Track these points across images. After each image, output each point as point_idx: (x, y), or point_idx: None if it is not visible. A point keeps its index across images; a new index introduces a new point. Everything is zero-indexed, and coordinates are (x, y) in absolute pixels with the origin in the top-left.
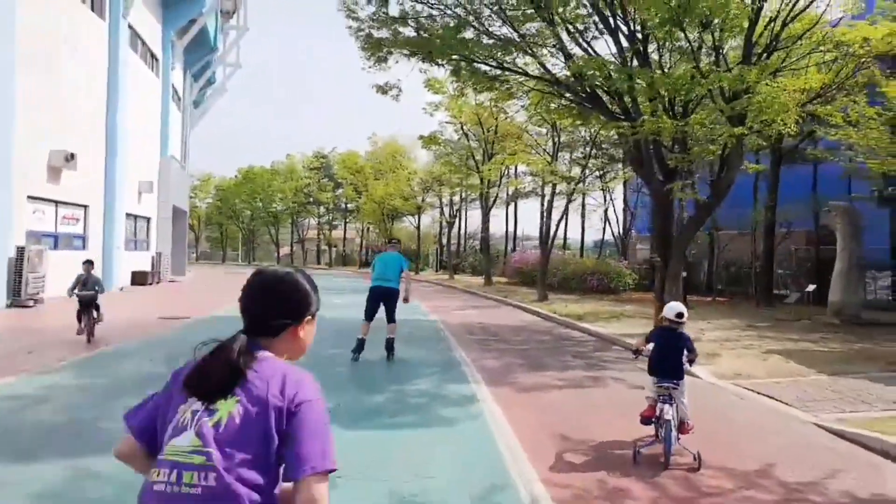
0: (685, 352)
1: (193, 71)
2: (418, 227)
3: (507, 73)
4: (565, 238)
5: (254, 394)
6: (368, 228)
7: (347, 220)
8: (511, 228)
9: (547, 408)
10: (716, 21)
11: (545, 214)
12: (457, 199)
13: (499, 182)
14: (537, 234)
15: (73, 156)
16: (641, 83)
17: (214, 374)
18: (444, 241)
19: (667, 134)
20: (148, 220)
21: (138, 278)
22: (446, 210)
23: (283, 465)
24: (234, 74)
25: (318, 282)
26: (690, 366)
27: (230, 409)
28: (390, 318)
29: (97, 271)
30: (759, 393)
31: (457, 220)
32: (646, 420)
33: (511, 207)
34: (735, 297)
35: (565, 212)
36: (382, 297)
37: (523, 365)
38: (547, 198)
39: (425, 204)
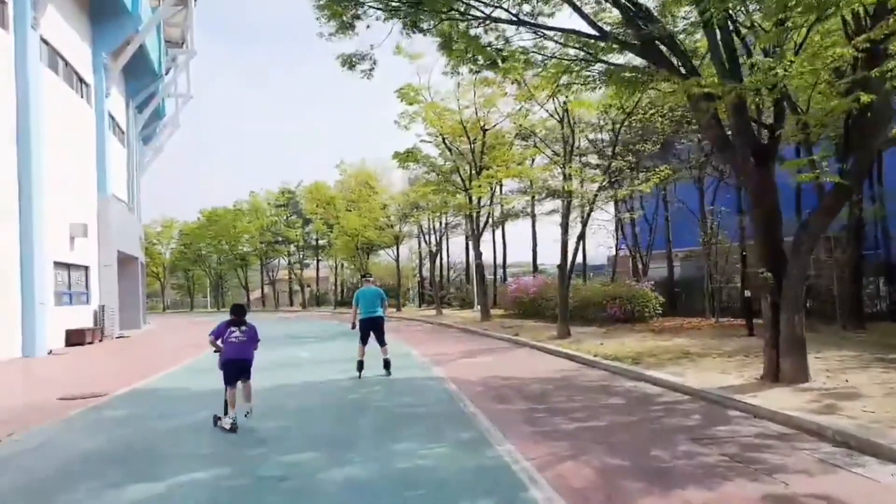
0: None
1: (137, 101)
2: (397, 260)
3: (523, 28)
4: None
5: (246, 328)
6: (342, 265)
7: (319, 258)
8: (500, 254)
9: None
10: None
11: (561, 231)
12: (438, 225)
13: (489, 200)
14: (523, 259)
15: None
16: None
17: (240, 323)
18: (426, 272)
19: (768, 89)
20: (86, 268)
21: (74, 337)
22: (428, 238)
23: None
24: (187, 106)
25: (286, 328)
26: None
27: (242, 329)
28: (381, 342)
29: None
30: None
31: (440, 248)
32: None
33: (498, 232)
34: None
35: (584, 228)
36: (372, 326)
37: (630, 471)
38: (561, 212)
39: (403, 234)
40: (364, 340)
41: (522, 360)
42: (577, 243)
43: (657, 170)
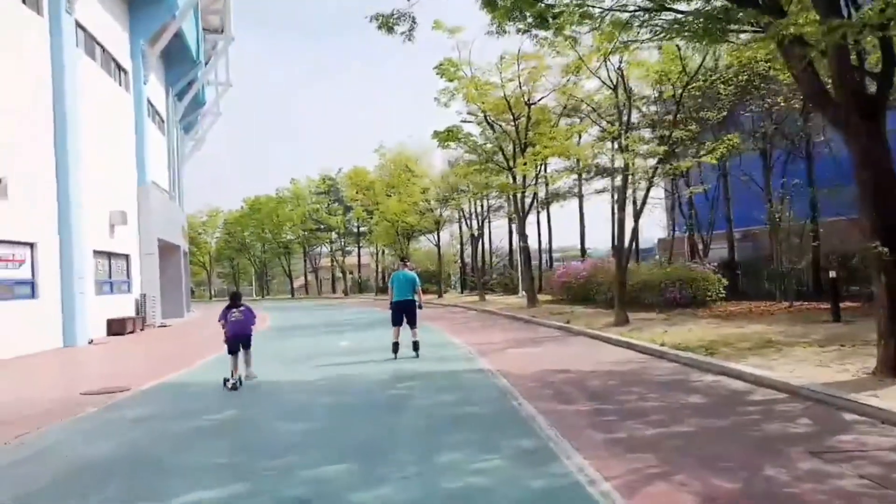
0: None
1: (177, 89)
2: (438, 245)
3: None
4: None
5: (243, 308)
6: (383, 251)
7: (360, 245)
8: (545, 238)
9: None
10: None
11: (618, 209)
12: (479, 208)
13: (535, 179)
14: (567, 244)
15: None
16: None
17: (237, 306)
18: (468, 257)
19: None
20: (127, 257)
21: (115, 327)
22: (470, 222)
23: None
24: (227, 94)
25: (327, 315)
26: None
27: (240, 309)
28: (412, 324)
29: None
30: None
31: (482, 232)
32: None
33: (542, 215)
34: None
35: (642, 206)
36: (404, 309)
37: (745, 499)
38: (612, 189)
39: (443, 218)
40: (397, 323)
41: (578, 351)
42: (635, 222)
43: (724, 138)
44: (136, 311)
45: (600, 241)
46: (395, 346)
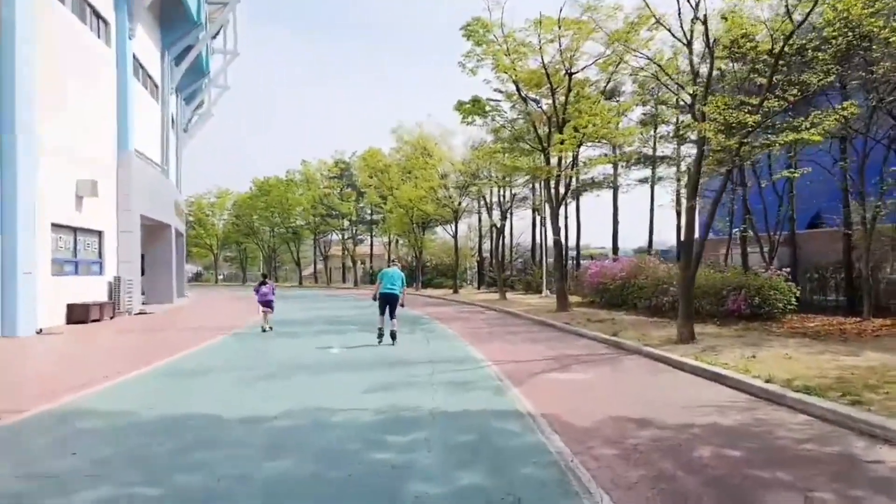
0: None
1: (174, 52)
2: (455, 236)
3: None
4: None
5: (268, 285)
6: (396, 240)
7: (373, 234)
8: (573, 234)
9: None
10: None
11: (687, 195)
12: (502, 198)
13: (571, 164)
14: (586, 241)
15: None
16: None
17: (265, 283)
18: (486, 251)
19: None
20: (100, 234)
21: (78, 313)
22: (492, 212)
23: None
24: (236, 66)
25: (329, 309)
26: None
27: (267, 285)
28: (392, 315)
29: None
30: None
31: (504, 223)
32: None
33: (570, 208)
34: None
35: (721, 191)
36: (389, 300)
37: None
38: (673, 171)
39: (462, 208)
40: (382, 311)
41: (645, 381)
42: (710, 216)
43: (840, 107)
44: (108, 295)
45: (630, 240)
46: (381, 332)
